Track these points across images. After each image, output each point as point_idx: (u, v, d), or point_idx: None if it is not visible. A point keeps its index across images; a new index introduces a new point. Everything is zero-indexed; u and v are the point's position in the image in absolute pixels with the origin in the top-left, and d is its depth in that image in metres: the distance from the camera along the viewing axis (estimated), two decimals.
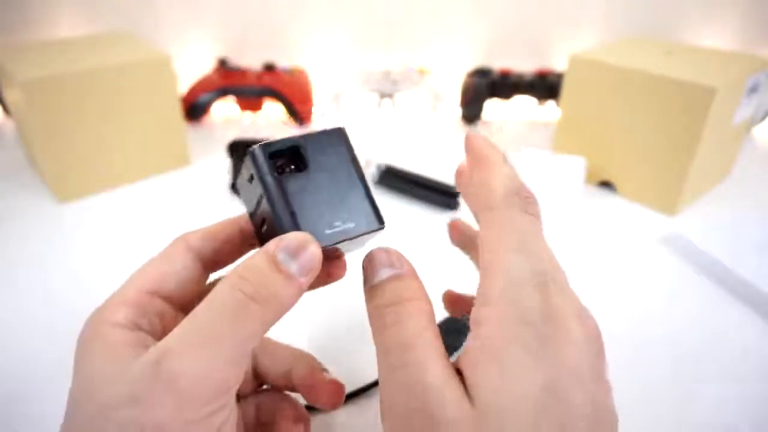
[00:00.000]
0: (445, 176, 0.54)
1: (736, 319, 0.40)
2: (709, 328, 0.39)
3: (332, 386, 0.26)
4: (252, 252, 0.20)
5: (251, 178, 0.21)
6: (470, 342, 0.18)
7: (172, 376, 0.17)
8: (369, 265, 0.21)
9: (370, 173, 0.56)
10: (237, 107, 0.72)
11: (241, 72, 0.70)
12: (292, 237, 0.19)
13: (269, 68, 0.71)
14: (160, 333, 0.21)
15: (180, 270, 0.23)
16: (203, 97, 0.68)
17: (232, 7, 0.74)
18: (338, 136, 0.23)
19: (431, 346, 0.19)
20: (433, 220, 0.51)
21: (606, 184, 0.57)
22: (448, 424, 0.17)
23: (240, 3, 0.73)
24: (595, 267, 0.45)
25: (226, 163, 0.56)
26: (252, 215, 0.23)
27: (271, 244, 0.19)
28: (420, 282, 0.21)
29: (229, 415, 0.19)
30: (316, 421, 0.31)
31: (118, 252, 0.45)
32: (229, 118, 0.73)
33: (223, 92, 0.69)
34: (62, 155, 0.51)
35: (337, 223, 0.21)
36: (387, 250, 0.22)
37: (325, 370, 0.27)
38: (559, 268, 0.20)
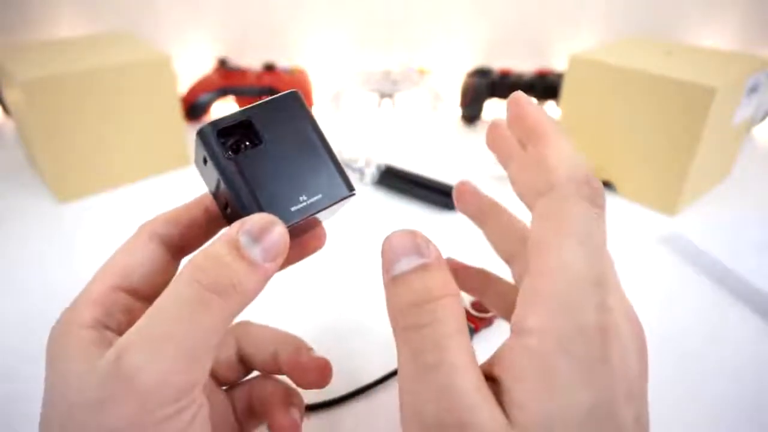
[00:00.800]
0: (445, 176, 0.54)
1: (736, 319, 0.40)
2: (709, 328, 0.39)
3: (318, 364, 0.25)
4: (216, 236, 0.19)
5: (204, 161, 0.20)
6: (514, 348, 0.17)
7: (130, 375, 0.16)
8: (390, 250, 0.18)
9: (370, 173, 0.56)
10: (237, 107, 0.72)
11: (241, 72, 0.70)
12: (254, 219, 0.18)
13: (269, 68, 0.71)
14: (126, 329, 0.20)
15: (144, 261, 0.21)
16: (203, 97, 0.68)
17: (232, 7, 0.74)
18: (292, 101, 0.21)
19: (466, 350, 0.17)
20: (433, 220, 0.51)
21: (606, 184, 0.57)
22: None
23: (240, 3, 0.73)
24: None
25: None
26: (215, 196, 0.22)
27: (232, 229, 0.18)
28: (449, 272, 0.18)
29: (196, 412, 0.18)
30: (318, 420, 0.31)
31: None
32: None
33: (223, 92, 0.69)
34: (62, 155, 0.51)
35: (302, 197, 0.20)
36: (412, 232, 0.19)
37: (310, 349, 0.26)
38: (611, 260, 0.18)
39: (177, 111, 0.57)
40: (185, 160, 0.59)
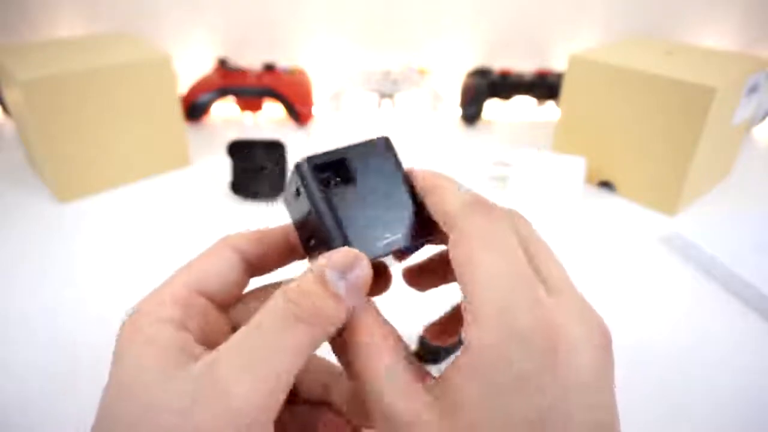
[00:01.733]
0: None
1: (735, 318, 0.40)
2: (709, 328, 0.39)
3: None
4: (298, 264, 0.21)
5: (297, 192, 0.21)
6: (460, 359, 0.18)
7: (223, 386, 0.17)
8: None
9: None
10: (237, 107, 0.72)
11: (241, 72, 0.70)
12: (341, 254, 0.19)
13: (269, 68, 0.71)
14: (202, 334, 0.21)
15: (225, 270, 0.22)
16: (203, 97, 0.68)
17: (232, 7, 0.74)
18: (383, 146, 0.23)
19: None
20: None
21: (606, 184, 0.57)
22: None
23: (240, 3, 0.74)
24: (595, 267, 0.45)
25: (226, 163, 0.56)
26: (298, 228, 0.23)
27: (321, 261, 0.19)
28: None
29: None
30: None
31: (118, 252, 0.45)
32: (229, 118, 0.73)
33: (223, 92, 0.69)
34: (62, 155, 0.51)
35: (386, 235, 0.21)
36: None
37: None
38: (548, 257, 0.19)
39: (177, 111, 0.57)
40: (185, 160, 0.59)
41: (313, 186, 0.20)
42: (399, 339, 0.20)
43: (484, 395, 0.17)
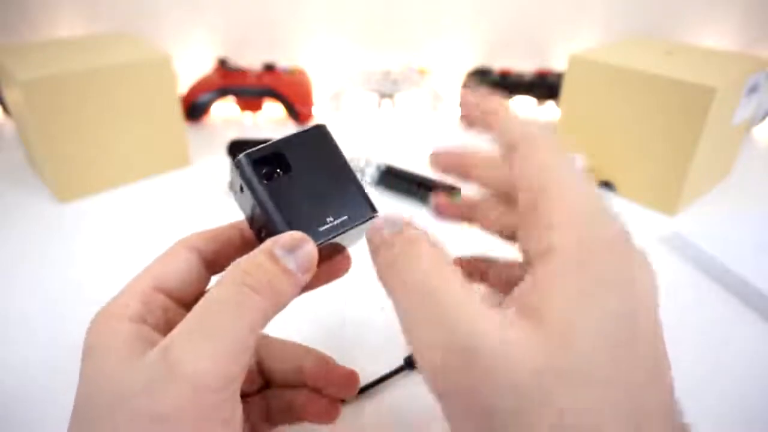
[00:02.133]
0: (445, 176, 0.54)
1: (735, 318, 0.40)
2: (709, 328, 0.39)
3: (347, 374, 0.27)
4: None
5: (241, 188, 0.22)
6: (539, 268, 0.17)
7: (178, 364, 0.18)
8: (372, 233, 0.21)
9: (370, 173, 0.56)
10: (237, 107, 0.72)
11: (241, 72, 0.70)
12: (286, 236, 0.20)
13: (269, 68, 0.71)
14: (163, 327, 0.21)
15: (182, 268, 0.23)
16: (203, 97, 0.68)
17: (232, 7, 0.74)
18: (319, 133, 0.23)
19: (451, 276, 0.18)
20: (433, 219, 0.51)
21: (606, 184, 0.57)
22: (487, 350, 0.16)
23: (240, 3, 0.74)
24: None
25: (226, 163, 0.56)
26: (249, 221, 0.24)
27: (268, 242, 0.20)
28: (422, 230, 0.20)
29: (235, 408, 0.19)
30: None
31: (118, 252, 0.45)
32: (229, 118, 0.73)
33: (223, 92, 0.69)
34: (62, 155, 0.51)
35: (329, 219, 0.22)
36: (385, 216, 0.21)
37: (332, 361, 0.28)
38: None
39: (177, 111, 0.57)
40: (185, 160, 0.59)
41: (255, 180, 0.21)
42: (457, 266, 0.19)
43: (573, 297, 0.16)
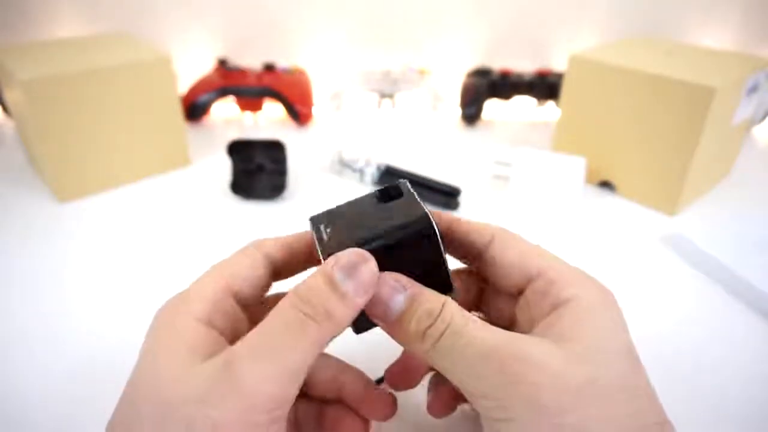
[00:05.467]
0: (445, 176, 0.54)
1: (736, 319, 0.40)
2: (709, 328, 0.39)
3: (387, 399, 0.26)
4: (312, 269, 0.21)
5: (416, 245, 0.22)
6: (564, 313, 0.21)
7: (239, 381, 0.18)
8: (379, 298, 0.21)
9: (370, 173, 0.56)
10: (237, 107, 0.72)
11: (241, 72, 0.70)
12: (347, 254, 0.20)
13: (269, 68, 0.71)
14: (230, 332, 0.21)
15: (254, 273, 0.23)
16: (203, 97, 0.68)
17: (232, 7, 0.74)
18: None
19: (480, 323, 0.21)
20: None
21: (606, 184, 0.57)
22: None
23: (240, 3, 0.74)
24: (595, 267, 0.45)
25: (226, 163, 0.56)
26: (323, 251, 0.22)
27: (329, 262, 0.20)
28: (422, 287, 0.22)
29: (280, 427, 0.19)
30: None
31: (118, 252, 0.45)
32: (229, 118, 0.73)
33: (223, 92, 0.69)
34: (62, 155, 0.51)
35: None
36: (389, 275, 0.22)
37: (372, 382, 0.27)
38: None
39: (177, 111, 0.57)
40: (185, 160, 0.59)
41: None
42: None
43: (591, 333, 0.21)
